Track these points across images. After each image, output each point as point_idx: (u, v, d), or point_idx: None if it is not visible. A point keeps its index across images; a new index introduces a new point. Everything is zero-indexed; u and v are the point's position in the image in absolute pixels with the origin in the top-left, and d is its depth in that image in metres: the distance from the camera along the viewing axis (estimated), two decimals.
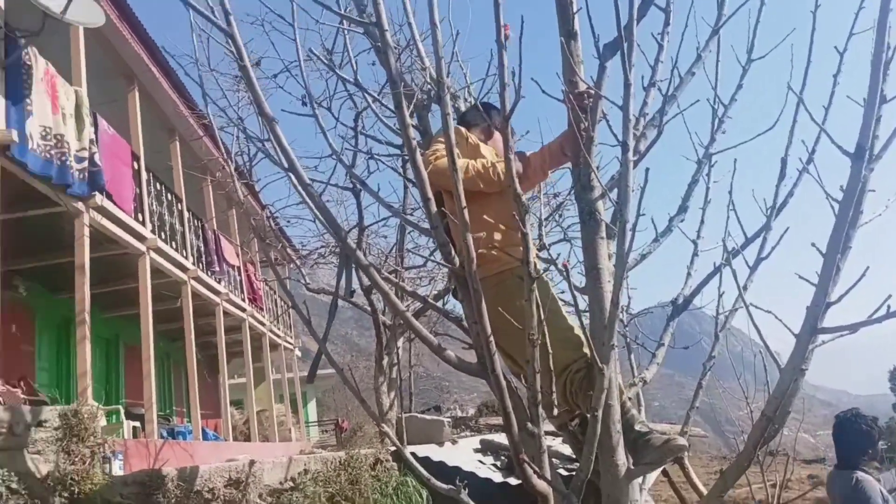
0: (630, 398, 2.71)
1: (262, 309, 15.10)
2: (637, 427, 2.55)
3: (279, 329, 17.20)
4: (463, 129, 2.72)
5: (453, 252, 2.45)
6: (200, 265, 10.80)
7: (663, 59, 2.65)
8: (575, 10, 2.48)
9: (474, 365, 2.55)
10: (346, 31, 2.95)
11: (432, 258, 2.75)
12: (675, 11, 2.73)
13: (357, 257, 2.42)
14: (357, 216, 4.46)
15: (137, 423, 8.81)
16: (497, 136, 3.04)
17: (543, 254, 3.32)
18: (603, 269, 2.48)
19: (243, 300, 13.51)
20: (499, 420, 7.67)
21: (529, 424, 2.27)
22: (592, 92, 2.41)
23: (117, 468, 3.11)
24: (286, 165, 2.34)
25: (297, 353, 20.13)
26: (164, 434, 8.50)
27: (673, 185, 2.90)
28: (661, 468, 2.52)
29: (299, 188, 2.41)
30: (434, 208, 2.40)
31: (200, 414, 10.51)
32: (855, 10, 1.95)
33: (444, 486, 2.47)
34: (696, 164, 3.11)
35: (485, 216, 2.51)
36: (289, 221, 7.76)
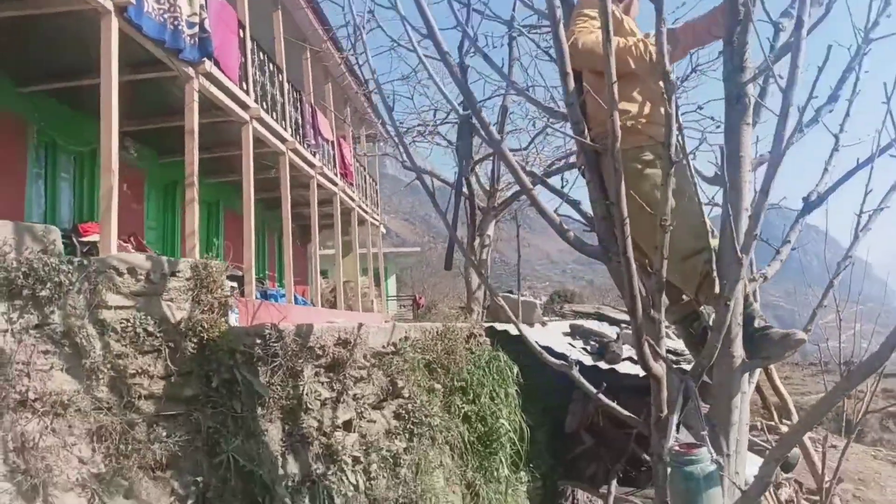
0: (750, 294, 2.66)
1: (352, 184, 15.42)
2: (757, 321, 2.52)
3: (367, 205, 17.62)
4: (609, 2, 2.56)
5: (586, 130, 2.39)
6: (298, 137, 11.01)
7: None
8: None
9: (596, 247, 2.55)
10: None
11: (564, 131, 2.64)
12: None
13: (490, 132, 2.39)
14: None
15: (235, 284, 9.42)
16: (635, 4, 2.86)
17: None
18: (745, 156, 2.37)
19: (335, 175, 13.81)
20: (583, 307, 7.75)
21: (651, 310, 2.28)
22: None
23: (234, 320, 3.32)
24: (425, 32, 2.28)
25: (383, 229, 20.67)
26: (259, 296, 9.06)
27: (814, 72, 2.67)
28: (778, 361, 2.50)
29: (439, 54, 2.36)
30: (572, 84, 2.32)
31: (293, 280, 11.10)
32: None
33: (556, 360, 2.55)
34: (851, 51, 2.84)
35: (633, 93, 2.41)
36: (388, 97, 7.66)
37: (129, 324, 2.47)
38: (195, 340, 2.68)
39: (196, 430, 2.56)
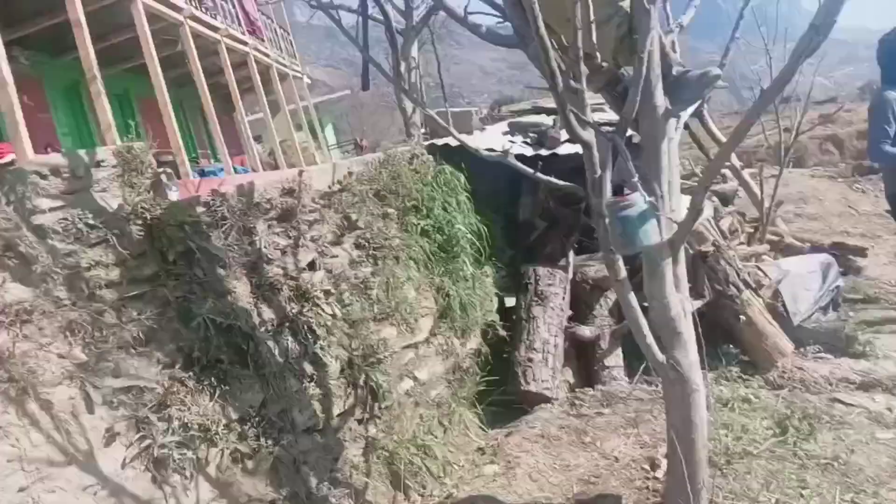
0: (666, 44, 2.68)
1: (263, 40, 14.54)
2: (675, 68, 2.58)
3: (285, 59, 16.74)
4: None
5: None
6: (193, 2, 10.16)
7: None
8: None
9: (511, 37, 2.53)
10: None
11: None
12: None
13: None
14: None
15: (168, 170, 9.14)
16: None
17: None
18: None
19: (243, 34, 12.96)
20: (522, 105, 7.75)
21: (572, 82, 2.31)
22: None
23: (174, 197, 3.30)
24: None
25: (307, 80, 19.82)
26: (196, 175, 8.87)
27: None
28: (697, 101, 2.59)
29: None
30: None
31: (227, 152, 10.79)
32: None
33: (491, 153, 2.62)
34: None
35: None
36: None
37: (69, 222, 2.46)
38: (139, 223, 2.69)
39: (165, 303, 2.65)
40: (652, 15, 2.21)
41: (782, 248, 6.46)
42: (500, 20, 2.75)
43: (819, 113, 18.57)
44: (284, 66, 17.06)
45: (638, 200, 2.17)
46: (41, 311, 2.26)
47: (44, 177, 2.47)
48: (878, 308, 5.43)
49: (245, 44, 13.06)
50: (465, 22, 2.64)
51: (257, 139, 14.52)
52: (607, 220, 2.26)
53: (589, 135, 2.36)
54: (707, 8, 3.22)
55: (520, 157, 3.60)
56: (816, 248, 6.41)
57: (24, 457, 2.03)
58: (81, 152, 2.65)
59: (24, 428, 2.07)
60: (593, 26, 2.39)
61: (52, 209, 2.45)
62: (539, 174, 2.52)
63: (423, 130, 7.31)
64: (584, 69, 2.32)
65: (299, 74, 18.92)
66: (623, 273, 2.56)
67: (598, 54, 2.67)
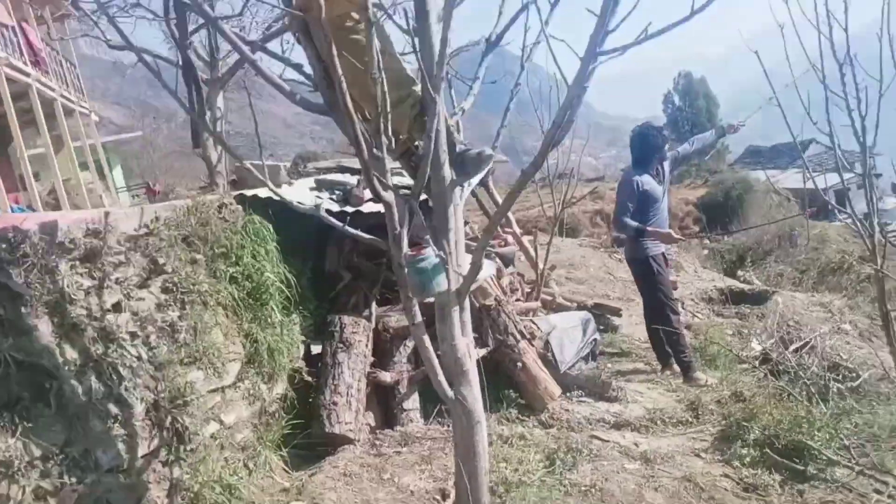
0: (452, 126, 3.24)
1: (47, 72, 13.53)
2: (458, 146, 3.14)
3: (71, 93, 15.63)
4: None
5: None
6: None
7: None
8: None
9: (321, 105, 2.90)
10: None
11: (277, 5, 2.81)
12: None
13: (202, 7, 2.53)
14: None
15: None
16: None
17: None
18: (431, 10, 2.82)
19: (25, 64, 12.01)
20: (325, 163, 8.15)
21: (375, 150, 2.74)
22: None
23: None
24: None
25: (94, 117, 18.57)
26: None
27: None
28: (477, 175, 3.15)
29: None
30: None
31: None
32: None
33: (304, 207, 2.93)
34: None
35: None
36: None
37: None
38: None
39: None
40: (438, 101, 2.73)
41: (554, 307, 7.42)
42: (310, 89, 3.12)
43: (589, 189, 21.40)
44: (70, 100, 15.96)
45: (430, 254, 2.62)
46: None
47: None
48: (630, 360, 6.48)
49: (27, 75, 12.14)
50: (280, 87, 2.94)
51: (36, 176, 13.37)
52: (406, 271, 2.68)
53: (390, 196, 2.79)
54: (500, 87, 3.88)
55: (328, 212, 3.94)
56: (581, 307, 7.45)
57: None
58: None
59: None
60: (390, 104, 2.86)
61: None
62: (348, 227, 2.89)
63: (228, 179, 7.39)
64: (384, 140, 2.76)
65: (86, 111, 17.75)
66: (419, 318, 2.99)
67: (396, 128, 3.14)
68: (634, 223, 5.42)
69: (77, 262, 3.31)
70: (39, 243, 3.09)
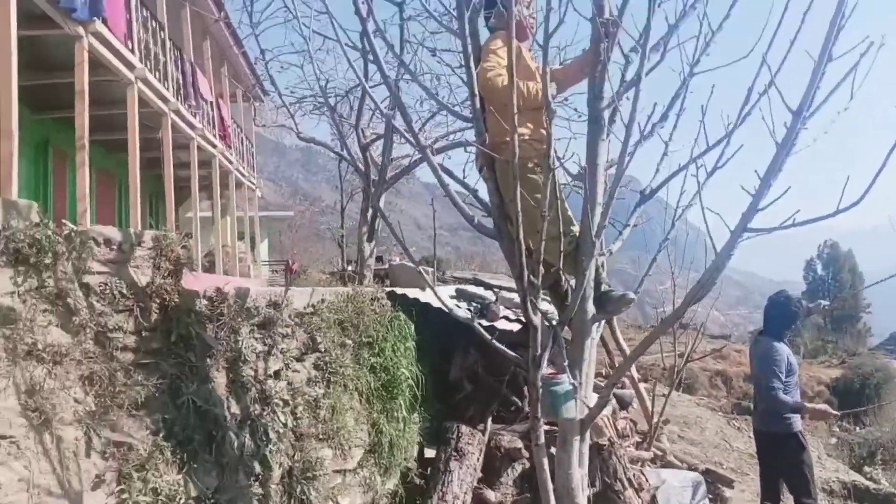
0: (600, 266, 3.52)
1: (230, 146, 15.31)
2: (604, 286, 3.40)
3: (244, 168, 17.49)
4: (515, 43, 3.23)
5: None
6: (179, 97, 10.91)
7: None
8: None
9: (493, 230, 3.30)
10: None
11: (469, 142, 3.32)
12: None
13: (416, 135, 3.04)
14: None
15: (190, 260, 9.33)
16: (528, 33, 3.56)
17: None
18: (599, 164, 3.19)
19: (215, 136, 13.69)
20: (462, 273, 8.61)
21: (531, 277, 3.06)
22: (614, 20, 2.99)
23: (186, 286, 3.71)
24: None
25: (259, 192, 20.51)
26: None
27: (654, 98, 3.57)
28: (616, 314, 3.37)
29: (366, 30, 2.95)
30: (478, 104, 3.04)
31: None
32: None
33: (460, 314, 3.28)
34: (680, 80, 3.73)
35: (525, 120, 3.15)
36: (282, 67, 8.02)
37: (107, 287, 2.90)
38: (157, 301, 3.14)
39: (162, 376, 3.04)
40: (596, 246, 3.03)
41: (664, 463, 7.20)
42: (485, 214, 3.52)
43: (712, 346, 20.59)
44: (243, 174, 17.75)
45: (565, 380, 2.85)
46: (71, 357, 2.66)
47: (98, 244, 2.95)
48: None
49: (214, 146, 13.74)
50: (462, 211, 3.35)
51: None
52: (540, 390, 2.91)
53: (538, 320, 3.07)
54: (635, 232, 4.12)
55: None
56: (692, 470, 7.16)
57: (31, 481, 2.35)
58: (132, 231, 3.16)
59: (37, 454, 2.40)
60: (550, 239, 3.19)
61: (98, 272, 2.91)
62: (495, 342, 3.18)
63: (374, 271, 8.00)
64: (541, 269, 3.08)
65: (253, 185, 19.62)
66: (542, 439, 3.17)
67: (551, 261, 3.46)
68: (791, 399, 5.02)
69: (255, 328, 3.81)
70: (234, 306, 3.61)
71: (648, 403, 7.74)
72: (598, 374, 8.26)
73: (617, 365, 9.12)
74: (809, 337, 38.23)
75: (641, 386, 8.23)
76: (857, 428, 21.19)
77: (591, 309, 3.29)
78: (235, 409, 3.46)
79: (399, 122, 7.29)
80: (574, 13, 2.98)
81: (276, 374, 3.85)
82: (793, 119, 2.46)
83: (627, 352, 8.92)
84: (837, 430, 19.06)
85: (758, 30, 3.03)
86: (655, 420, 7.38)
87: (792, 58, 2.79)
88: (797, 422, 5.12)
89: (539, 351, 3.04)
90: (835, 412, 5.51)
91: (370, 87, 5.00)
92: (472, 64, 2.94)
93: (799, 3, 2.69)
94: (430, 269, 7.18)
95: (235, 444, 3.35)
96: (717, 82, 3.66)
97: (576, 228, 3.37)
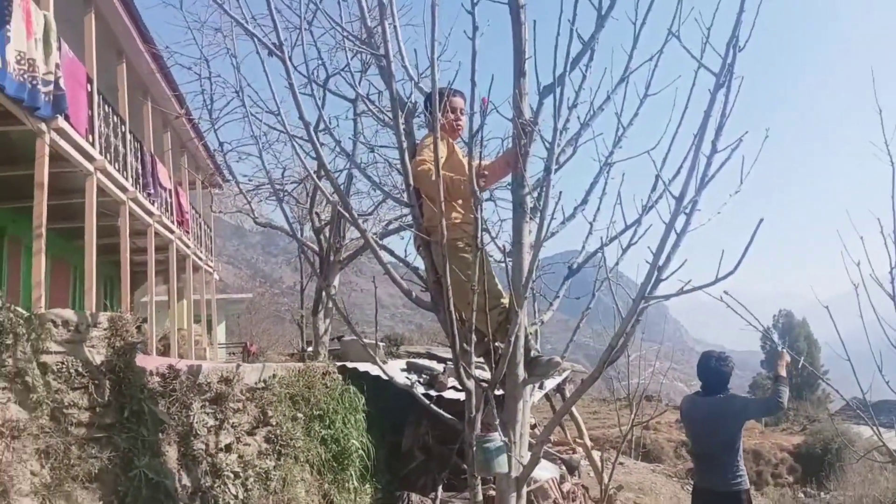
0: (531, 334, 3.83)
1: (188, 232, 15.49)
2: (533, 352, 3.70)
3: (201, 252, 17.61)
4: (448, 140, 3.63)
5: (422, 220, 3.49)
6: (138, 186, 11.18)
7: (585, 87, 3.64)
8: (526, 56, 3.46)
9: (430, 303, 3.61)
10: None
11: (407, 226, 3.68)
12: (598, 50, 3.72)
13: (353, 215, 3.38)
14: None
15: (143, 340, 9.37)
16: (463, 123, 3.98)
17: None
18: (524, 243, 3.55)
19: (173, 222, 13.90)
20: (416, 348, 8.84)
21: (465, 345, 3.36)
22: (531, 122, 3.44)
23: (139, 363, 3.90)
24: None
25: (216, 276, 20.54)
26: None
27: (580, 181, 4.02)
28: (546, 378, 3.67)
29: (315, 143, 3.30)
30: (413, 194, 3.43)
31: None
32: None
33: (404, 384, 3.53)
34: (598, 168, 4.18)
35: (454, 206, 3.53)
36: (240, 157, 8.41)
37: (64, 366, 3.10)
38: (112, 378, 3.34)
39: (115, 450, 3.20)
40: (521, 313, 3.35)
41: None
42: (423, 288, 3.84)
43: (677, 417, 20.84)
44: (200, 258, 17.85)
45: (496, 437, 3.10)
46: (29, 432, 2.82)
47: (56, 325, 3.16)
48: None
49: (172, 232, 13.93)
50: (400, 286, 3.69)
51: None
52: (474, 449, 3.15)
53: (471, 384, 3.34)
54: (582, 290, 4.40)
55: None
56: None
57: None
58: (88, 313, 3.37)
59: None
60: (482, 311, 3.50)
61: (56, 352, 3.12)
62: (434, 406, 3.43)
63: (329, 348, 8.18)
64: (473, 338, 3.38)
65: (210, 269, 19.68)
66: (480, 496, 3.39)
67: (484, 331, 3.76)
68: (774, 387, 5.18)
69: (207, 403, 3.99)
70: (185, 382, 3.80)
71: (599, 467, 7.94)
72: (558, 444, 8.45)
73: (573, 436, 9.33)
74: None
75: (595, 454, 8.43)
76: (822, 493, 21.41)
77: (522, 373, 3.58)
78: (186, 481, 3.59)
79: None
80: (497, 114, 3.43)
81: (228, 448, 4.00)
82: (676, 204, 2.87)
83: (580, 420, 9.16)
84: (802, 496, 19.26)
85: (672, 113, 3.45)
86: (607, 483, 7.55)
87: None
88: (746, 480, 5.30)
89: (473, 413, 3.30)
90: (783, 352, 5.43)
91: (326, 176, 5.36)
92: (406, 157, 3.33)
93: (701, 103, 3.11)
94: (381, 344, 7.39)
95: None
96: (636, 166, 4.14)
97: (505, 301, 3.70)
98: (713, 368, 5.42)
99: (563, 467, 6.94)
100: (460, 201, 3.64)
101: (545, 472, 5.94)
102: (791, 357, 5.46)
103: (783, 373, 5.23)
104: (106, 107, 9.71)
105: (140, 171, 11.55)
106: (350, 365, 5.36)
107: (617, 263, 3.75)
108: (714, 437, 5.27)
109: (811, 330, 54.77)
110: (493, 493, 3.64)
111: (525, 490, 3.54)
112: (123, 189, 10.19)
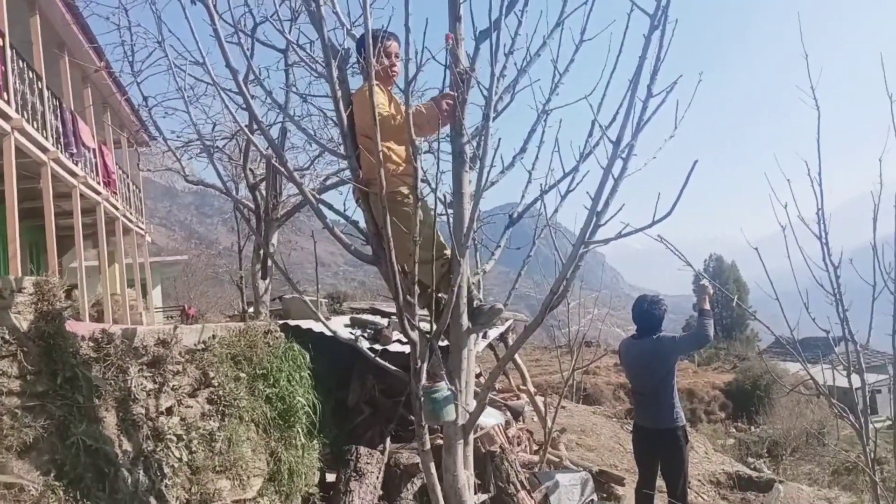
0: (474, 283, 3.86)
1: (115, 193, 14.87)
2: (475, 301, 3.73)
3: (131, 214, 16.97)
4: (380, 89, 3.53)
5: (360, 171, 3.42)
6: (59, 146, 10.63)
7: (521, 32, 3.60)
8: (461, 1, 3.39)
9: (371, 256, 3.57)
10: None
11: (345, 177, 3.59)
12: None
13: (289, 169, 3.29)
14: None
15: (73, 304, 8.96)
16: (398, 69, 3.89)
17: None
18: (465, 193, 3.54)
19: (98, 184, 13.31)
20: (359, 304, 8.81)
21: (408, 297, 3.35)
22: (467, 69, 3.38)
23: (70, 328, 3.74)
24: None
25: (148, 238, 19.89)
26: None
27: (518, 129, 4.01)
28: (490, 327, 3.71)
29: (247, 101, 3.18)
30: (350, 144, 3.34)
31: None
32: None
33: (346, 338, 3.51)
34: (536, 116, 4.18)
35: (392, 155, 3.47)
36: (166, 113, 8.06)
37: None
38: (41, 344, 3.19)
39: (50, 418, 3.08)
40: (463, 263, 3.36)
41: (561, 470, 7.62)
42: (363, 241, 3.80)
43: (616, 361, 21.65)
44: (130, 220, 17.23)
45: (443, 387, 3.13)
46: None
47: None
48: None
49: (99, 194, 13.36)
50: (340, 239, 3.62)
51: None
52: (421, 399, 3.18)
53: (416, 335, 3.35)
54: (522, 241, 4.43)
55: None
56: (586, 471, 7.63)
57: None
58: (11, 278, 3.20)
59: None
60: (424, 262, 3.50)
61: None
62: (378, 359, 3.43)
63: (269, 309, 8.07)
64: (416, 290, 3.38)
65: (142, 231, 19.04)
66: (428, 445, 3.43)
67: (426, 283, 3.77)
68: (704, 327, 5.32)
69: (144, 367, 3.88)
70: (120, 346, 3.68)
71: (543, 412, 8.18)
72: (503, 391, 8.63)
73: (517, 383, 9.57)
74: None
75: (538, 399, 8.67)
76: (752, 427, 22.70)
77: (465, 323, 3.61)
78: (127, 446, 3.51)
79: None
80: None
81: (169, 411, 3.92)
82: (613, 148, 2.90)
83: (523, 367, 9.39)
84: (734, 430, 20.36)
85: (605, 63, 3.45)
86: (550, 427, 7.80)
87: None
88: (682, 417, 5.55)
89: (418, 364, 3.32)
90: (705, 282, 5.62)
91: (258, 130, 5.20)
92: (341, 107, 3.23)
93: (637, 48, 3.11)
94: (323, 301, 7.35)
95: (129, 481, 3.40)
96: (574, 113, 4.14)
97: (448, 252, 3.70)
98: (646, 311, 5.63)
99: (508, 413, 7.12)
100: (395, 153, 3.58)
101: (491, 418, 6.08)
102: (714, 288, 5.67)
103: (707, 306, 5.42)
104: (20, 62, 9.13)
105: (60, 129, 10.97)
106: (292, 323, 5.30)
107: (556, 211, 3.79)
108: (649, 377, 5.51)
109: (740, 273, 57.19)
110: (440, 441, 3.71)
111: (472, 437, 3.61)
112: (44, 149, 9.68)
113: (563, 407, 8.77)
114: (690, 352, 5.98)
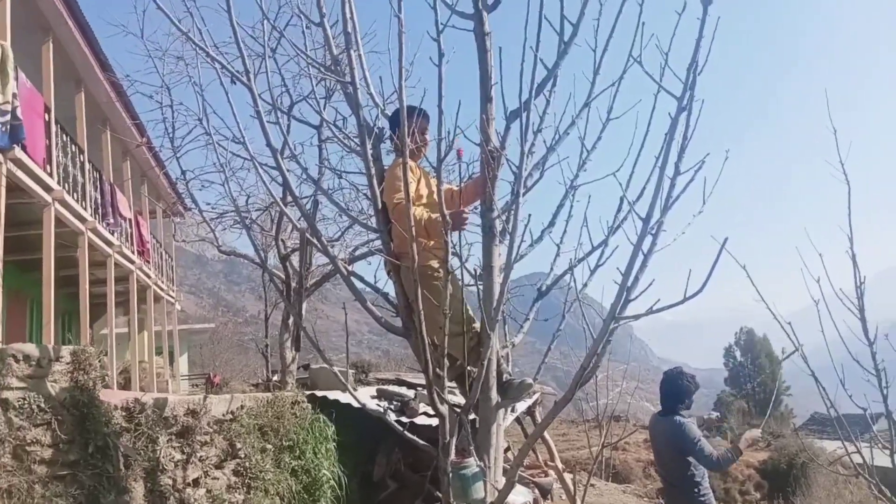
0: (503, 357, 3.85)
1: (149, 262, 15.21)
2: (505, 375, 3.71)
3: (163, 282, 17.28)
4: (411, 165, 3.66)
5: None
6: (97, 217, 10.98)
7: (549, 112, 3.71)
8: (492, 82, 3.53)
9: (401, 328, 3.60)
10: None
11: (377, 251, 3.69)
12: (562, 77, 3.80)
13: (323, 243, 3.37)
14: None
15: (106, 374, 9.06)
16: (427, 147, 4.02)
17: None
18: (494, 266, 3.58)
19: (133, 252, 13.65)
20: (385, 374, 8.77)
21: (437, 370, 3.35)
22: (498, 148, 3.49)
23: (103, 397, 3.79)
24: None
25: (178, 306, 20.16)
26: None
27: (547, 204, 4.09)
28: (519, 401, 3.68)
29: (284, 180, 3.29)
30: (381, 218, 3.44)
31: None
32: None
33: (375, 410, 3.50)
34: (564, 191, 4.25)
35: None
36: (202, 185, 8.33)
37: (25, 402, 2.99)
38: (75, 413, 3.24)
39: (80, 488, 3.09)
40: (493, 338, 3.36)
41: None
42: (394, 314, 3.83)
43: (645, 437, 20.98)
44: (161, 288, 17.53)
45: (472, 464, 3.09)
46: None
47: (17, 360, 3.06)
48: None
49: (132, 262, 13.68)
50: (371, 312, 3.66)
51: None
52: (450, 475, 3.13)
53: (445, 409, 3.33)
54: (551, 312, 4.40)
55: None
56: None
57: None
58: (49, 347, 3.28)
59: None
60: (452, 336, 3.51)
61: (17, 388, 3.01)
62: (407, 433, 3.40)
63: (296, 377, 8.06)
64: (446, 363, 3.38)
65: (172, 299, 19.31)
66: None
67: (456, 356, 3.77)
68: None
69: (173, 437, 3.89)
70: (151, 415, 3.71)
71: (571, 489, 7.93)
72: (530, 467, 8.43)
73: (544, 459, 9.33)
74: (735, 422, 39.37)
75: (566, 476, 8.43)
76: None
77: (495, 397, 3.58)
78: None
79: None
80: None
81: (196, 482, 3.90)
82: (643, 225, 2.93)
83: (551, 443, 9.17)
84: None
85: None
86: None
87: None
88: (711, 498, 5.31)
89: (447, 438, 3.29)
90: (758, 432, 5.52)
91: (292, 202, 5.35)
92: (374, 183, 3.34)
93: (663, 125, 3.18)
94: (350, 371, 7.33)
95: None
96: (601, 188, 4.21)
97: (477, 325, 3.71)
98: (668, 381, 5.48)
99: (536, 491, 6.92)
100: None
101: (519, 496, 5.93)
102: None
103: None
104: (64, 136, 9.58)
105: (99, 200, 11.38)
106: (320, 393, 5.29)
107: (585, 284, 3.80)
108: (671, 462, 5.31)
109: (772, 347, 55.70)
110: None
111: None
112: (82, 219, 10.01)
113: (593, 485, 8.50)
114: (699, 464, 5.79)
